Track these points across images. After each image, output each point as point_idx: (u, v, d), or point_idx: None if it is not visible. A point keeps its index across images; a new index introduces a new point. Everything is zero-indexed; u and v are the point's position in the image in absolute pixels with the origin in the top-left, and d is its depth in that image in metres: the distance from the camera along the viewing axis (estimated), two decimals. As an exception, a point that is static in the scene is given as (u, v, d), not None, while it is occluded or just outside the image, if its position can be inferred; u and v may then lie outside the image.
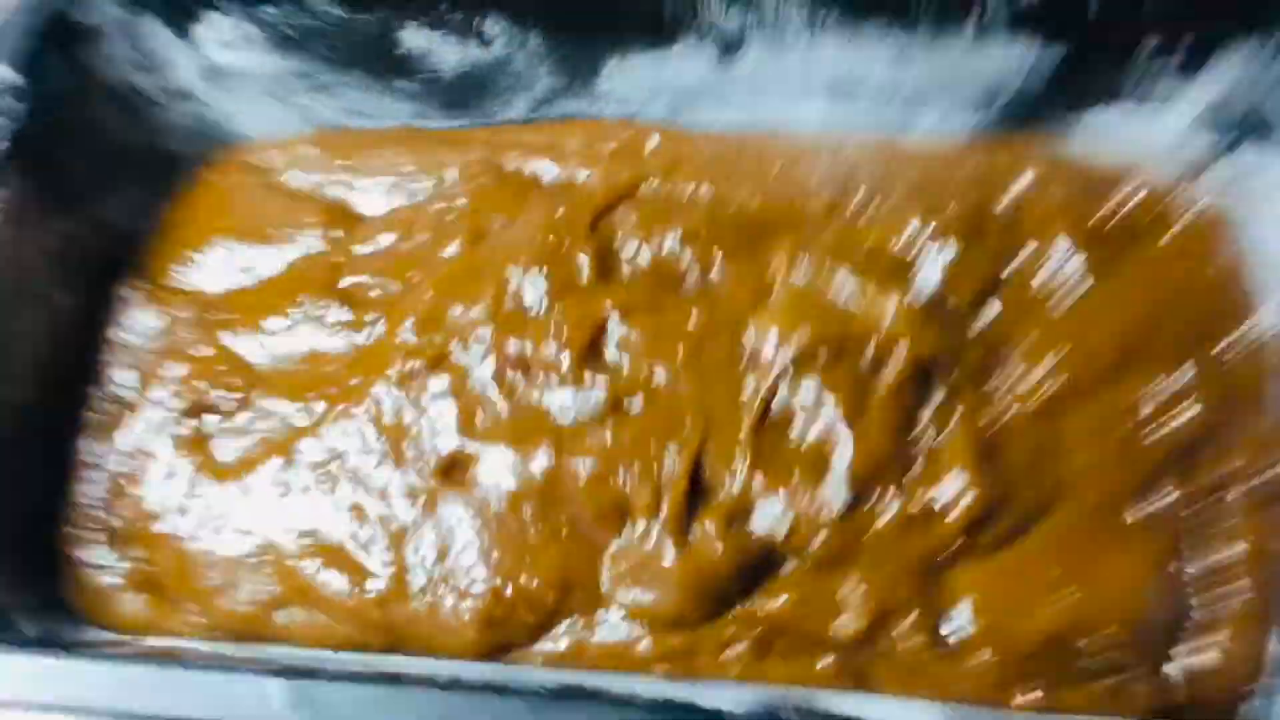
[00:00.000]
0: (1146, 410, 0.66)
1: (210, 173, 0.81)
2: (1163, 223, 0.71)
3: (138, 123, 0.79)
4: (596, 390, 0.69)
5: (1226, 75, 0.67)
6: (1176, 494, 0.65)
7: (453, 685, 0.58)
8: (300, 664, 0.62)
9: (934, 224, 0.70)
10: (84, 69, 0.75)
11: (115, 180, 0.78)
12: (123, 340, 0.75)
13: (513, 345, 0.71)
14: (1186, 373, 0.66)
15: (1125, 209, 0.71)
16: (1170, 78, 0.69)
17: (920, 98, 0.73)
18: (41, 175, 0.72)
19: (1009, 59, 0.69)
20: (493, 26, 0.73)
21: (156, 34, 0.76)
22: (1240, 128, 0.70)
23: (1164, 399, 0.66)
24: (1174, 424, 0.66)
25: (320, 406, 0.72)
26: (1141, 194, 0.71)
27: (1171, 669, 0.63)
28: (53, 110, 0.73)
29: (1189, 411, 0.66)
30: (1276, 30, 0.65)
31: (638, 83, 0.76)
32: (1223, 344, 0.67)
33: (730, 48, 0.72)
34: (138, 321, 0.76)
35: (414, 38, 0.75)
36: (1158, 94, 0.70)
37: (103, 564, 0.71)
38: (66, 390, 0.74)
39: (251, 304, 0.76)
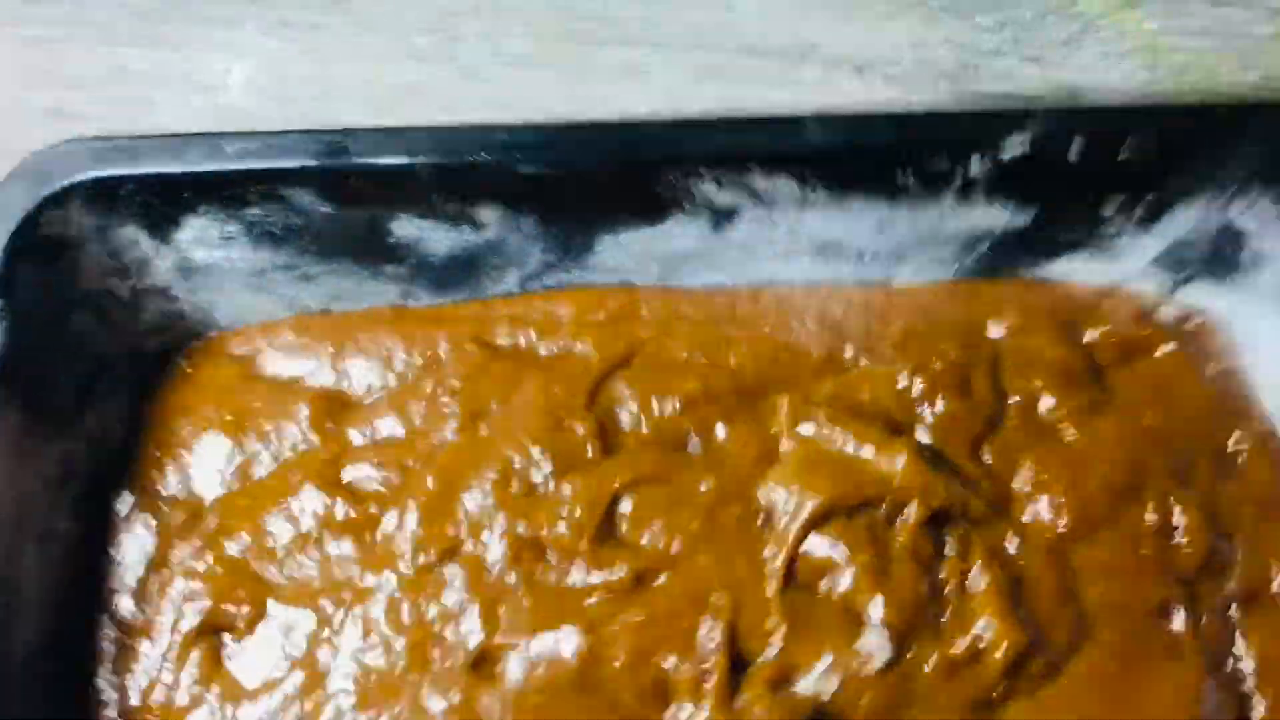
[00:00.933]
0: (1145, 543, 0.70)
1: (191, 366, 0.79)
2: (1128, 360, 0.77)
3: (113, 327, 0.76)
4: (617, 568, 0.69)
5: (1176, 228, 0.74)
6: (1189, 618, 0.69)
7: None
8: None
9: (922, 380, 0.74)
10: (58, 281, 0.72)
11: (98, 390, 0.75)
12: (123, 560, 0.72)
13: (524, 529, 0.71)
14: (1175, 503, 0.71)
15: (1093, 350, 0.76)
16: (1126, 234, 0.75)
17: (900, 254, 0.77)
18: (29, 399, 0.69)
19: (983, 222, 0.74)
20: (487, 214, 0.74)
21: (131, 238, 0.74)
22: (1186, 270, 0.77)
23: (1159, 530, 0.71)
24: (1172, 552, 0.70)
25: (337, 613, 0.70)
26: (1106, 335, 0.77)
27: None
28: (30, 330, 0.69)
29: (1183, 538, 0.71)
30: (1218, 194, 0.72)
31: (629, 253, 0.77)
32: (1204, 472, 0.73)
33: (722, 221, 0.75)
34: (135, 538, 0.72)
35: (404, 228, 0.75)
36: (1113, 247, 0.76)
37: (134, 811, 0.67)
38: (74, 623, 0.70)
39: (250, 506, 0.73)
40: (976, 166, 0.70)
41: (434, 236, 0.76)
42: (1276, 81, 0.76)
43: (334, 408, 0.77)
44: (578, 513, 0.70)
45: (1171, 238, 0.75)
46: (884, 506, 0.70)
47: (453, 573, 0.70)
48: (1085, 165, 0.70)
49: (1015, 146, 0.69)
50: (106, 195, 0.71)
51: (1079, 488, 0.71)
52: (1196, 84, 0.76)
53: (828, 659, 0.67)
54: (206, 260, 0.76)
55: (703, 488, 0.72)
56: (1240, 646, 0.70)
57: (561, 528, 0.70)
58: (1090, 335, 0.77)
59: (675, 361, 0.76)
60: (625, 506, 0.71)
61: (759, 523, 0.71)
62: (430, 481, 0.72)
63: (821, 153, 0.70)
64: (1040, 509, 0.71)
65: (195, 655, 0.70)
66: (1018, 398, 0.74)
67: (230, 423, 0.76)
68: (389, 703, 0.68)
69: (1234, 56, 0.76)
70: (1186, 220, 0.74)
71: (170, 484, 0.75)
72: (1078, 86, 0.76)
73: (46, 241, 0.71)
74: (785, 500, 0.70)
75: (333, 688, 0.68)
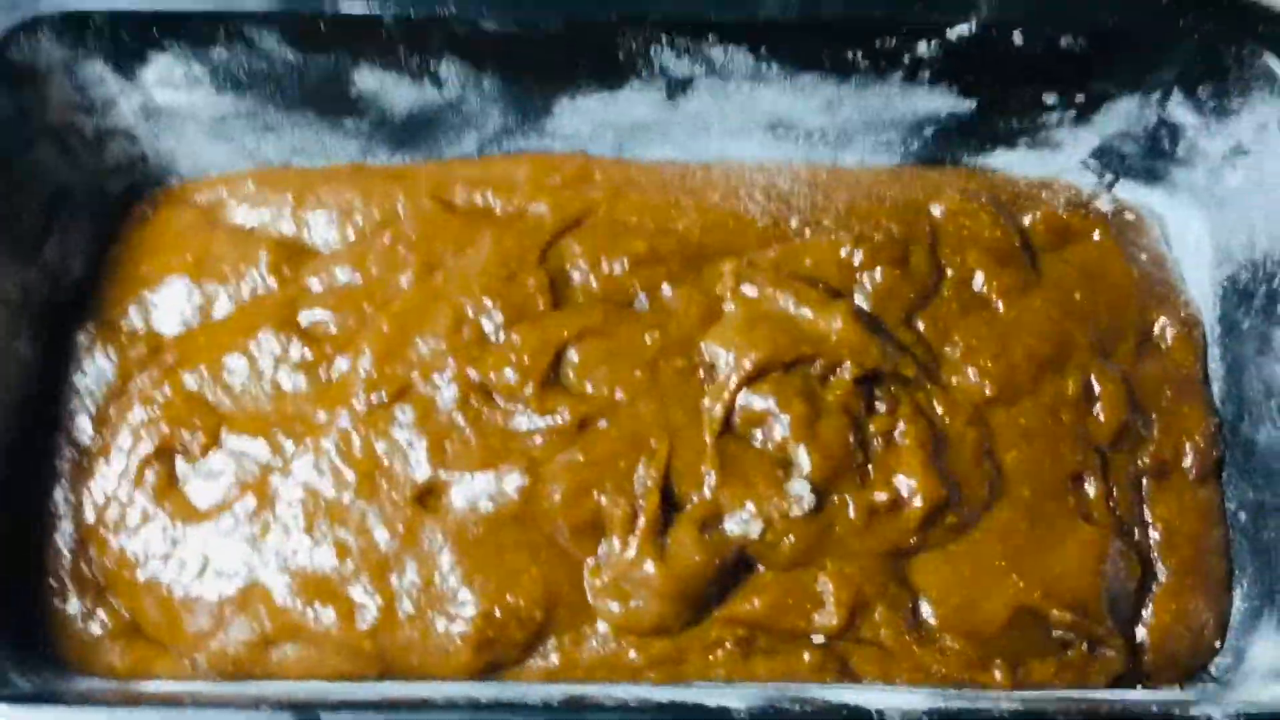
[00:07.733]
0: (1065, 412, 0.74)
1: (154, 211, 0.80)
2: (1061, 245, 0.80)
3: (77, 163, 0.77)
4: (561, 413, 0.72)
5: (1114, 122, 0.77)
6: (1101, 485, 0.73)
7: (470, 706, 0.60)
8: (306, 697, 0.63)
9: (863, 251, 0.77)
10: (24, 110, 0.73)
11: (60, 224, 0.76)
12: (83, 387, 0.74)
13: (474, 374, 0.73)
14: (1095, 376, 0.75)
15: (1028, 234, 0.79)
16: (1065, 126, 0.78)
17: (848, 136, 0.80)
18: (-7, 224, 0.70)
19: (928, 106, 0.77)
20: (448, 70, 0.76)
21: (98, 74, 0.75)
22: (1116, 170, 0.80)
23: (1078, 401, 0.74)
24: (1090, 422, 0.74)
25: (289, 444, 0.73)
26: (1040, 221, 0.80)
27: (1139, 633, 0.71)
28: (-3, 155, 0.71)
29: (1101, 409, 0.74)
30: (1150, 92, 0.75)
31: (586, 120, 0.79)
32: (1127, 351, 0.76)
33: (677, 90, 0.77)
34: (96, 367, 0.74)
35: (367, 79, 0.77)
36: (1052, 139, 0.79)
37: (85, 615, 0.70)
38: (32, 442, 0.72)
39: (209, 343, 0.76)
40: (924, 47, 0.73)
41: (396, 91, 0.77)
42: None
43: (292, 255, 0.79)
44: (525, 359, 0.73)
45: (1110, 131, 0.78)
46: (819, 364, 0.73)
47: (403, 411, 0.73)
48: (1028, 52, 0.72)
49: (961, 29, 0.71)
50: (75, 27, 0.72)
51: (1005, 357, 0.75)
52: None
53: (753, 504, 0.70)
54: (170, 103, 0.78)
55: (647, 341, 0.75)
56: (1147, 516, 0.74)
57: (509, 373, 0.73)
58: (1026, 220, 0.80)
59: (625, 224, 0.79)
60: (572, 356, 0.74)
61: (700, 376, 0.74)
62: (384, 326, 0.75)
63: (775, 23, 0.72)
64: (967, 375, 0.75)
65: (150, 477, 0.72)
66: (953, 273, 0.77)
67: (191, 265, 0.78)
68: (336, 528, 0.71)
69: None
70: (1125, 114, 0.77)
71: (131, 320, 0.77)
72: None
73: (13, 70, 0.72)
74: (726, 355, 0.73)
75: (281, 512, 0.71)
